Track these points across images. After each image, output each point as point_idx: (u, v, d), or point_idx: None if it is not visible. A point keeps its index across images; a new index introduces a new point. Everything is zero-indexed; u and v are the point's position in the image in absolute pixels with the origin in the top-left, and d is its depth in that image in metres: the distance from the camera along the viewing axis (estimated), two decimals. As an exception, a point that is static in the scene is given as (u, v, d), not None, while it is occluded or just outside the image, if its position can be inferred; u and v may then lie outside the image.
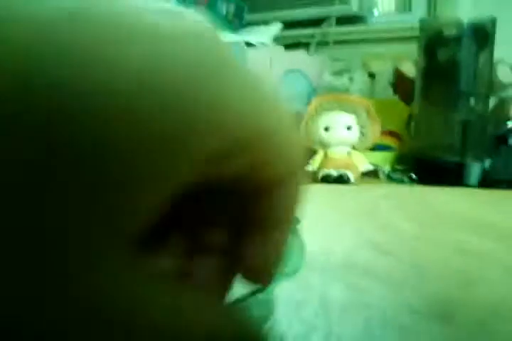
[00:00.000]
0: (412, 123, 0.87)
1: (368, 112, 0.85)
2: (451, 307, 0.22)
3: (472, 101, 0.79)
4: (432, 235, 0.32)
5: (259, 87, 0.14)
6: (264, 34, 1.03)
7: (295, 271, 0.23)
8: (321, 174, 0.79)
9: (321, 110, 0.86)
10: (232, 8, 1.14)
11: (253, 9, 1.30)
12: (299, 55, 1.05)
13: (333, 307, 0.22)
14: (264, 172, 0.14)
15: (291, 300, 0.23)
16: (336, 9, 1.21)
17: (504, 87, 0.84)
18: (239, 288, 0.17)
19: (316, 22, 1.25)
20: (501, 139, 0.76)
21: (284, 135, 0.14)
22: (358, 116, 0.85)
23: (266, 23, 1.12)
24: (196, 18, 0.12)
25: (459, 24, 0.75)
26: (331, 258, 0.29)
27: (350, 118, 0.85)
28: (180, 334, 0.13)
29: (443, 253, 0.29)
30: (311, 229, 0.31)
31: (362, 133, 0.86)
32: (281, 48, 0.99)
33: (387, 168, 0.87)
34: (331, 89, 1.08)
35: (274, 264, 0.15)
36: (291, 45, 1.13)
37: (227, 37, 0.87)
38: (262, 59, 0.89)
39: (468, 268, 0.27)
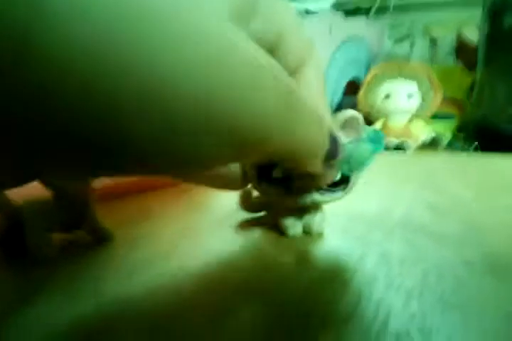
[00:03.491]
0: (475, 91, 0.86)
1: (429, 79, 0.84)
2: (504, 262, 0.23)
3: (539, 67, 0.77)
4: (488, 199, 0.33)
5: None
6: (324, 0, 1.02)
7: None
8: (380, 142, 0.80)
9: (381, 78, 0.85)
10: (291, -25, 1.13)
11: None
12: (359, 22, 1.04)
13: (393, 261, 0.24)
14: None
15: (353, 253, 0.26)
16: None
17: None
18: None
19: (376, -13, 1.22)
20: None
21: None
22: (419, 83, 0.84)
23: (325, -11, 1.10)
24: None
25: (526, -14, 0.73)
26: (390, 218, 0.30)
27: (411, 86, 0.84)
28: None
29: (497, 214, 0.30)
30: (370, 192, 0.33)
31: (423, 101, 0.85)
32: (341, 14, 0.99)
33: (448, 137, 0.86)
34: (392, 56, 1.06)
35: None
36: (351, 11, 1.11)
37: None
38: (322, 26, 0.89)
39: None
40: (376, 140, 0.25)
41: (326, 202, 0.28)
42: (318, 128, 0.19)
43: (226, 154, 0.14)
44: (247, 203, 0.32)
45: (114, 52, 0.11)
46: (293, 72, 0.20)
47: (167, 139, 0.13)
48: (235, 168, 0.26)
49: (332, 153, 0.21)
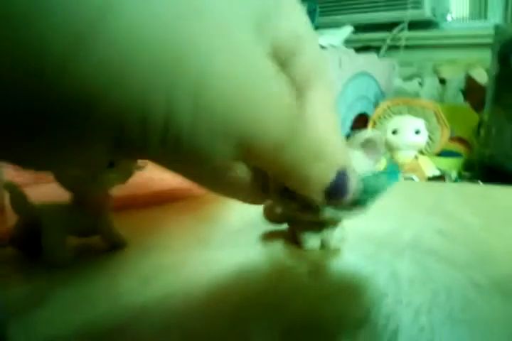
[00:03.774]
0: (482, 131, 0.87)
1: (437, 117, 0.85)
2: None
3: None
4: (496, 228, 0.33)
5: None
6: (336, 37, 1.05)
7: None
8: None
9: (389, 113, 0.87)
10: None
11: (325, 12, 1.31)
12: (369, 58, 1.07)
13: (402, 280, 0.24)
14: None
15: (364, 270, 0.26)
16: (409, 14, 1.21)
17: None
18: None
19: (387, 26, 1.25)
20: None
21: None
22: (427, 120, 0.86)
23: (338, 25, 1.13)
24: None
25: (535, 29, 0.75)
26: (399, 239, 0.31)
27: (419, 123, 0.85)
28: None
29: (505, 242, 0.30)
30: (380, 216, 0.33)
31: (430, 138, 0.86)
32: (352, 51, 1.01)
33: (454, 174, 0.86)
34: (401, 93, 1.08)
35: None
36: (361, 49, 1.14)
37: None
38: (332, 61, 0.91)
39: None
40: (392, 173, 0.26)
41: (342, 218, 0.28)
42: (317, 160, 0.18)
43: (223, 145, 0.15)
44: (271, 214, 0.32)
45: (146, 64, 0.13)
46: (299, 93, 0.19)
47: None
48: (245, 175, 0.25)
49: (336, 188, 0.20)
